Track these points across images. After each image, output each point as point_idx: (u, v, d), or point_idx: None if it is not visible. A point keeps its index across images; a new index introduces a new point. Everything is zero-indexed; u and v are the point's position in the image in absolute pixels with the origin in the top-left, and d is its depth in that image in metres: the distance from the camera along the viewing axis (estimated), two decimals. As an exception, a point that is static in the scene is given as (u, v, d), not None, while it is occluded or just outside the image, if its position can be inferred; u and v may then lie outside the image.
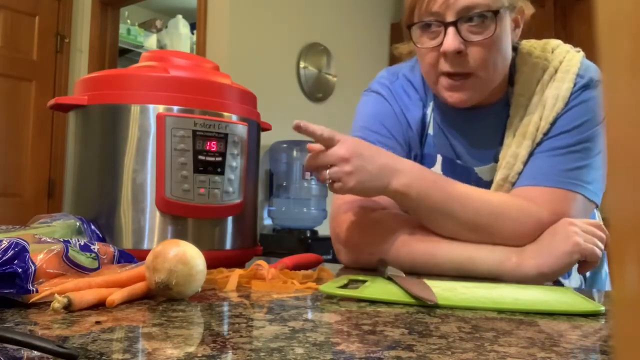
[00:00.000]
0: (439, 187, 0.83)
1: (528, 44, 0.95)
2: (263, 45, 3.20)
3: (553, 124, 0.88)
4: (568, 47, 0.94)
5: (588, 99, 0.88)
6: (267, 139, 3.02)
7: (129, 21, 4.34)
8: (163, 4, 4.62)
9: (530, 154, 0.88)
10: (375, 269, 0.82)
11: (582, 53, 0.93)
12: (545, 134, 0.88)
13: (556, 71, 0.91)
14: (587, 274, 0.95)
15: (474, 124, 0.94)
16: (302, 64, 3.45)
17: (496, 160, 0.92)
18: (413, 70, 1.00)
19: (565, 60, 0.91)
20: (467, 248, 0.83)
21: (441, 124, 0.96)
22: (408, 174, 0.83)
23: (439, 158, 0.96)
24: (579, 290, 0.75)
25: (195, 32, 3.26)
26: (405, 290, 0.62)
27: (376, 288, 0.65)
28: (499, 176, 0.89)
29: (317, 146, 0.82)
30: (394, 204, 0.89)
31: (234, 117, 0.86)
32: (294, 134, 0.85)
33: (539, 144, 0.88)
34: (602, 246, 0.79)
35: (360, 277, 0.72)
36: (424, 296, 0.58)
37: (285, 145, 3.05)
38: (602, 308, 0.56)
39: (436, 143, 0.96)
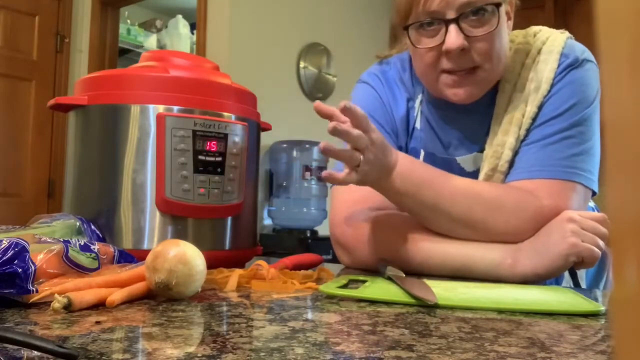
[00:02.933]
0: (428, 182, 0.80)
1: (510, 34, 0.91)
2: (263, 45, 3.20)
3: (541, 108, 0.84)
4: (552, 30, 0.90)
5: (575, 79, 0.84)
6: (267, 139, 3.02)
7: (129, 21, 4.34)
8: (163, 4, 4.62)
9: (521, 141, 0.85)
10: (376, 269, 0.82)
11: (567, 34, 0.89)
12: (533, 119, 0.85)
13: (539, 53, 0.87)
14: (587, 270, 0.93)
15: (464, 116, 0.91)
16: (302, 64, 3.45)
17: (480, 150, 0.89)
18: (403, 64, 0.99)
19: (549, 41, 0.87)
20: (463, 251, 0.80)
21: (430, 118, 0.94)
22: (398, 168, 0.80)
23: (422, 153, 0.94)
24: (578, 290, 0.75)
25: (195, 32, 3.26)
26: (405, 290, 0.62)
27: (376, 288, 0.65)
28: (487, 166, 0.86)
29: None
30: (391, 205, 0.86)
31: (234, 117, 0.86)
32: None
33: (528, 130, 0.85)
34: (602, 245, 0.75)
35: (360, 277, 0.72)
36: (424, 296, 0.58)
37: (285, 145, 3.05)
38: (602, 308, 0.56)
39: (423, 137, 0.95)
